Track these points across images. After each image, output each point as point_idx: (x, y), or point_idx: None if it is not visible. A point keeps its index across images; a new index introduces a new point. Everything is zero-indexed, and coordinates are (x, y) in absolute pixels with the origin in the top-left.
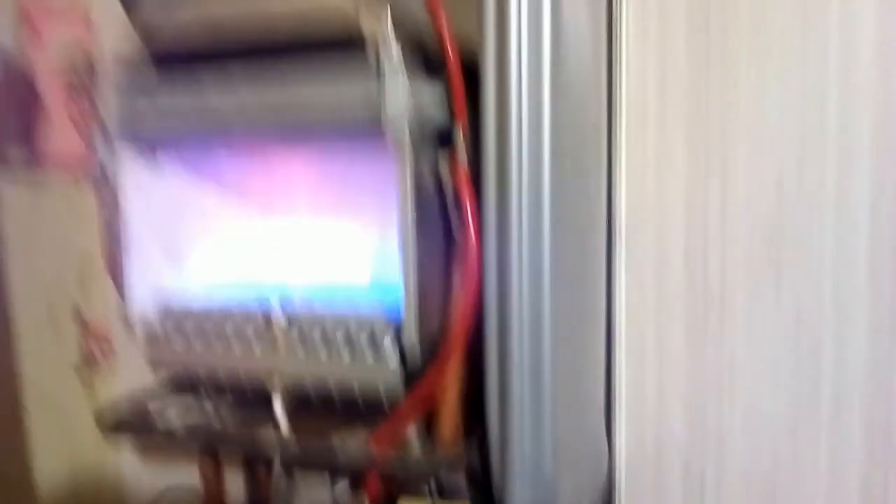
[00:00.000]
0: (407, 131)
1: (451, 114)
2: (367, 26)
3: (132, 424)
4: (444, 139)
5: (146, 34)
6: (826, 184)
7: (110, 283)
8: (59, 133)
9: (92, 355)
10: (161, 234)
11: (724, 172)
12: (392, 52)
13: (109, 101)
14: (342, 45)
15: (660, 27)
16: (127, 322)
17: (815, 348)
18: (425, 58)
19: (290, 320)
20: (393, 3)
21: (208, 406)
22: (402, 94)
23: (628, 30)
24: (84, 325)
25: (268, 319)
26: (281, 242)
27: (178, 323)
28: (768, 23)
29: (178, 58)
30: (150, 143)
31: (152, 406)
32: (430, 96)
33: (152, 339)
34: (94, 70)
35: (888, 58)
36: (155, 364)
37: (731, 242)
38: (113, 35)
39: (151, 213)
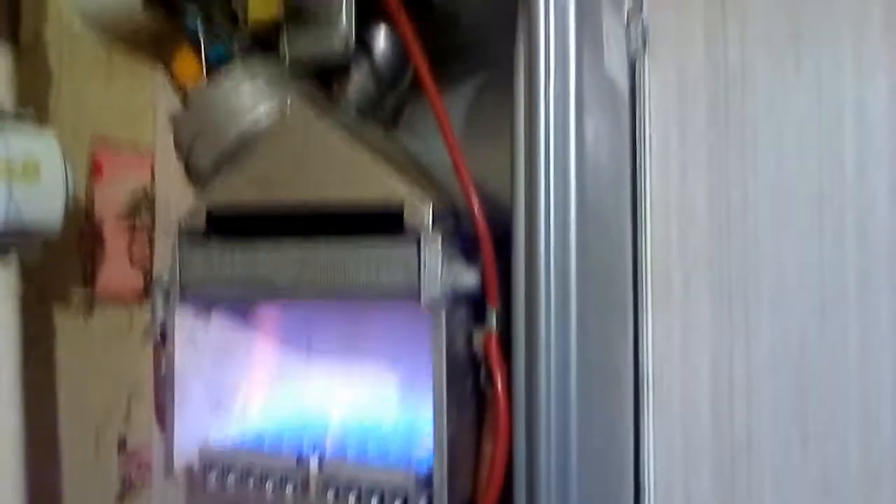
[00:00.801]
0: (444, 311)
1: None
2: (411, 219)
3: None
4: (478, 305)
5: (204, 194)
6: (848, 341)
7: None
8: (118, 271)
9: (132, 483)
10: (207, 383)
11: (747, 329)
12: (433, 243)
13: (170, 266)
14: (388, 228)
15: (680, 197)
16: (169, 467)
17: None
18: (465, 237)
19: (327, 482)
20: (436, 198)
21: None
22: (440, 277)
23: (652, 203)
24: (127, 454)
25: (306, 479)
26: (320, 394)
27: (219, 473)
28: (785, 199)
29: (234, 221)
30: (204, 301)
31: None
32: (468, 276)
33: (192, 488)
34: (154, 215)
35: None
36: None
37: (756, 398)
38: (175, 184)
39: (199, 363)
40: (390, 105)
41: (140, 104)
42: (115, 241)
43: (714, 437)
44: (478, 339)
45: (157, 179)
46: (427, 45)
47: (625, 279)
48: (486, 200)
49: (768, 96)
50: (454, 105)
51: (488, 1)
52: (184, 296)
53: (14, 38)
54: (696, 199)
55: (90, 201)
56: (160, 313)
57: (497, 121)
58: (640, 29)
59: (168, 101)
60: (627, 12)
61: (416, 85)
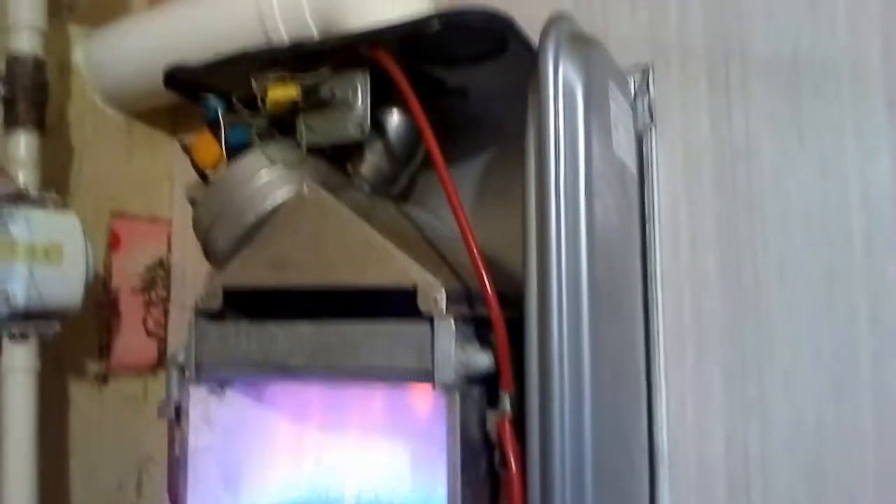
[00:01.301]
0: (457, 393)
1: (499, 378)
2: (425, 302)
3: None
4: (492, 386)
5: (221, 275)
6: (864, 420)
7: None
8: (133, 342)
9: None
10: (220, 460)
11: (762, 405)
12: (446, 325)
13: (186, 344)
14: (402, 309)
15: (691, 269)
16: None
17: None
18: (479, 318)
19: None
20: (449, 279)
21: None
22: (454, 360)
23: (664, 274)
24: None
25: None
26: (334, 471)
27: None
28: (795, 275)
29: (249, 301)
30: (219, 381)
31: None
32: (481, 358)
33: None
34: (170, 285)
35: None
36: None
37: (772, 476)
38: (191, 254)
39: (213, 441)
40: (404, 180)
41: (158, 175)
42: (130, 312)
43: None
44: (491, 421)
45: (173, 249)
46: (438, 118)
47: (638, 353)
48: (499, 274)
49: (774, 172)
50: (466, 176)
51: (497, 77)
52: (199, 374)
53: (40, 123)
54: (707, 271)
55: (108, 272)
56: (175, 392)
57: (508, 191)
58: (646, 105)
59: (186, 172)
60: (634, 90)
61: (429, 161)
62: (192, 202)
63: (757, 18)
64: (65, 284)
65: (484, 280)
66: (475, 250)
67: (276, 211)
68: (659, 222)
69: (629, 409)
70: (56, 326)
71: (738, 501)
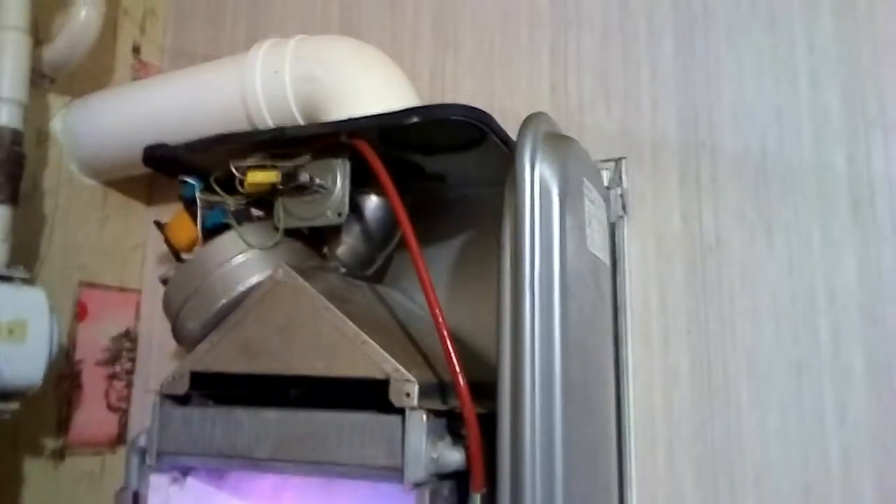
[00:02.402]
0: (427, 491)
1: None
2: (397, 396)
3: None
4: (462, 482)
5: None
6: None
7: None
8: (93, 416)
9: None
10: None
11: None
12: (418, 420)
13: (149, 429)
14: (373, 402)
15: (663, 363)
16: None
17: None
18: (451, 413)
19: None
20: (422, 372)
21: None
22: (424, 459)
23: (635, 368)
24: None
25: None
26: None
27: None
28: (763, 365)
29: (218, 391)
30: (181, 468)
31: None
32: (453, 455)
33: None
34: (135, 356)
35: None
36: None
37: None
38: (159, 324)
39: None
40: (379, 262)
41: (131, 245)
42: (93, 385)
43: None
44: None
45: (141, 319)
46: (417, 200)
47: (610, 450)
48: (472, 361)
49: (742, 268)
50: (441, 257)
51: (475, 165)
52: (160, 461)
53: (14, 196)
54: (678, 365)
55: (72, 343)
56: (134, 478)
57: (483, 274)
58: (619, 196)
59: (159, 242)
60: (608, 182)
61: (403, 244)
62: (164, 282)
63: (726, 118)
64: (27, 362)
65: (457, 375)
66: (448, 343)
67: (248, 293)
68: (631, 312)
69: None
70: (14, 406)
71: None
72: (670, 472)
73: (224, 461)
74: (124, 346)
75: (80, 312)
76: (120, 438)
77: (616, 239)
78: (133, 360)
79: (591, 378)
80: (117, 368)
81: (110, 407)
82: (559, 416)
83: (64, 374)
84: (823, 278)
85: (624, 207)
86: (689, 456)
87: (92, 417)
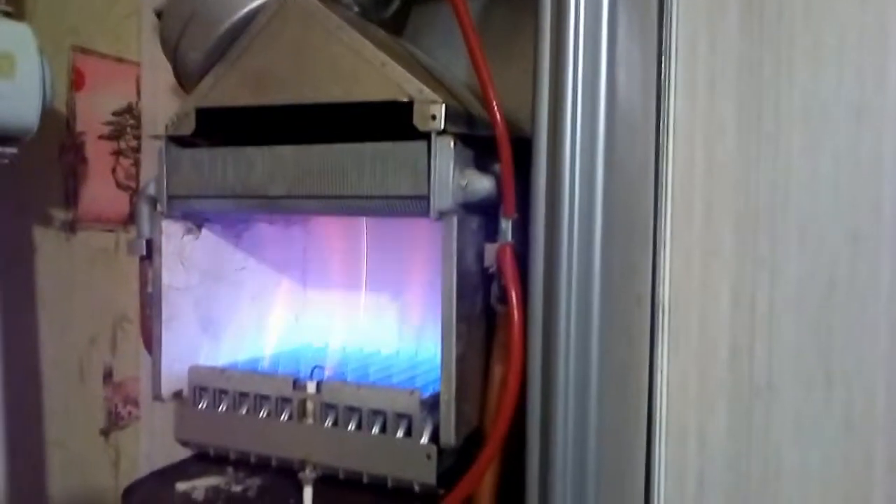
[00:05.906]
0: (455, 219)
1: (501, 203)
2: (422, 121)
3: None
4: (489, 217)
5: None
6: (881, 274)
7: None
8: (102, 192)
9: (119, 417)
10: (197, 303)
11: (773, 259)
12: (445, 145)
13: (157, 174)
14: (394, 132)
15: (708, 113)
16: (157, 392)
17: (868, 453)
18: (479, 144)
19: (326, 406)
20: (448, 99)
21: (237, 489)
22: (452, 186)
23: (676, 118)
24: (113, 386)
25: (303, 403)
26: (319, 317)
27: (211, 399)
28: (821, 103)
29: (226, 129)
30: (194, 216)
31: (180, 486)
32: (482, 182)
33: (182, 414)
34: (140, 134)
35: None
36: (184, 439)
37: (778, 333)
38: (163, 100)
39: (188, 281)
40: (395, 8)
41: (123, 12)
42: (99, 160)
43: (732, 375)
44: (490, 253)
45: (143, 94)
46: None
47: (647, 201)
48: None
49: (805, 4)
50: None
51: None
52: (171, 207)
53: None
54: (724, 115)
55: (71, 113)
56: (146, 227)
57: (508, 36)
58: None
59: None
60: None
61: None
62: (160, 14)
63: None
64: (19, 100)
65: (489, 89)
66: (479, 55)
67: (254, 17)
68: (676, 58)
69: (636, 254)
70: (12, 150)
71: (741, 363)
72: (709, 224)
73: (237, 203)
74: (128, 123)
75: (77, 80)
76: (132, 218)
77: (661, 99)
78: (138, 137)
79: (632, 118)
80: (122, 145)
81: (119, 185)
82: (602, 139)
83: (66, 146)
84: None
85: None
86: (730, 208)
87: (100, 193)
